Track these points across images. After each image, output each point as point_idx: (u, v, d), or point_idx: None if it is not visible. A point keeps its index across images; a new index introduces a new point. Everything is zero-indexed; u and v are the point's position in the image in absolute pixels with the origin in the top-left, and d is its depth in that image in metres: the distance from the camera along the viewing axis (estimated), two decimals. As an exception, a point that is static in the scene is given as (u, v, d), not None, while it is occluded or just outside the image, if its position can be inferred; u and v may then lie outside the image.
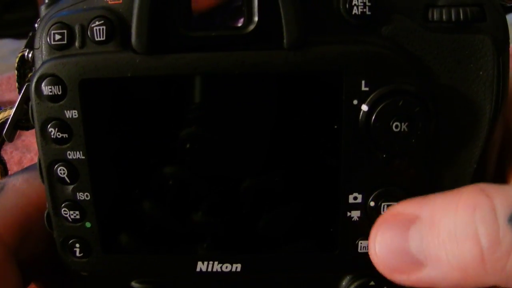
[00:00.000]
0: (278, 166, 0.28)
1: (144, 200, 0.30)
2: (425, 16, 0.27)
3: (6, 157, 0.77)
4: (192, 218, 0.30)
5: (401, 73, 0.27)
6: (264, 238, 0.30)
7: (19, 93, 0.31)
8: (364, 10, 0.26)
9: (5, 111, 0.32)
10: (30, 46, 0.29)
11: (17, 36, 1.09)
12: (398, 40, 0.27)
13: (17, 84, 0.32)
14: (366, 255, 0.29)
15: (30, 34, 0.30)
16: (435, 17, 0.27)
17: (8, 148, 0.79)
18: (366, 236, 0.29)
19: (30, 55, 0.31)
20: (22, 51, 0.31)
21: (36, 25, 0.30)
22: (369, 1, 0.26)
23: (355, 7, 0.26)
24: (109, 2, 0.27)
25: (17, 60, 0.31)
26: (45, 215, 0.30)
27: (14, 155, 0.78)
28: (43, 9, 0.29)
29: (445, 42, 0.27)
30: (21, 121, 0.30)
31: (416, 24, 0.27)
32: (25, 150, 0.79)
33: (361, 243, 0.29)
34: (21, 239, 0.31)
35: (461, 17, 0.26)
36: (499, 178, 0.28)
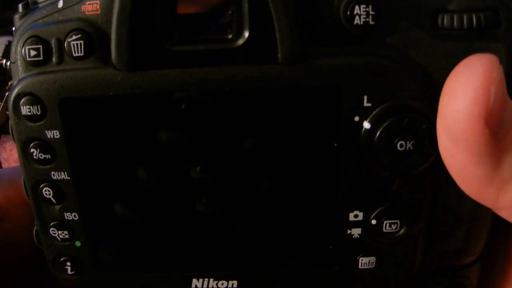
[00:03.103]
0: (278, 182, 0.27)
1: (135, 217, 0.28)
2: (434, 23, 0.24)
3: (5, 155, 0.77)
4: (186, 235, 0.29)
5: (406, 87, 0.24)
6: (261, 254, 0.29)
7: (1, 100, 0.29)
8: (367, 20, 0.23)
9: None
10: (6, 56, 0.27)
11: (17, 34, 1.07)
12: (404, 50, 0.24)
13: None
14: (367, 272, 0.28)
15: (6, 43, 0.27)
16: (445, 23, 0.24)
17: (7, 146, 0.78)
18: (366, 253, 0.28)
19: (8, 63, 0.29)
20: None
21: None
22: (372, 10, 0.23)
23: (357, 17, 0.23)
24: (86, 13, 0.25)
25: None
26: (34, 231, 0.29)
27: (13, 152, 0.77)
28: (16, 20, 0.26)
29: (455, 51, 0.24)
30: (5, 126, 0.29)
31: (424, 32, 0.24)
32: (25, 148, 0.78)
33: (361, 259, 0.28)
34: None
35: (474, 23, 0.24)
36: None
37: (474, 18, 0.24)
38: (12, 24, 0.28)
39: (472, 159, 0.21)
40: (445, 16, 0.24)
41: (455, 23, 0.24)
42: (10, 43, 0.27)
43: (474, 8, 0.24)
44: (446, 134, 0.21)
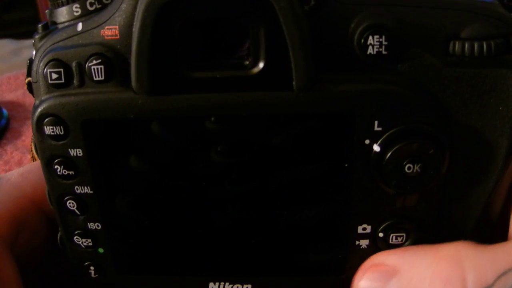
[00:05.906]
0: (294, 197, 0.28)
1: (154, 225, 0.30)
2: (445, 50, 0.25)
3: (6, 157, 0.77)
4: (204, 240, 0.30)
5: (415, 112, 0.25)
6: (274, 260, 0.30)
7: None
8: (380, 49, 0.24)
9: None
10: (30, 74, 0.28)
11: (16, 36, 1.08)
12: (415, 76, 0.25)
13: None
14: None
15: (28, 62, 0.28)
16: (456, 50, 0.25)
17: (8, 148, 0.78)
18: None
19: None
20: (27, 78, 0.29)
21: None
22: (385, 40, 0.24)
23: (370, 47, 0.24)
24: (106, 37, 0.25)
25: (26, 87, 0.29)
26: (58, 237, 0.31)
27: (14, 155, 0.77)
28: (37, 41, 0.27)
29: (465, 77, 0.25)
30: None
31: (436, 59, 0.25)
32: (25, 150, 0.77)
33: None
34: (16, 231, 0.31)
35: (485, 50, 0.24)
36: (506, 208, 0.28)
37: (485, 45, 0.24)
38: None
39: None
40: (457, 43, 0.24)
41: (466, 50, 0.24)
42: (31, 61, 0.27)
43: (486, 35, 0.24)
44: None
